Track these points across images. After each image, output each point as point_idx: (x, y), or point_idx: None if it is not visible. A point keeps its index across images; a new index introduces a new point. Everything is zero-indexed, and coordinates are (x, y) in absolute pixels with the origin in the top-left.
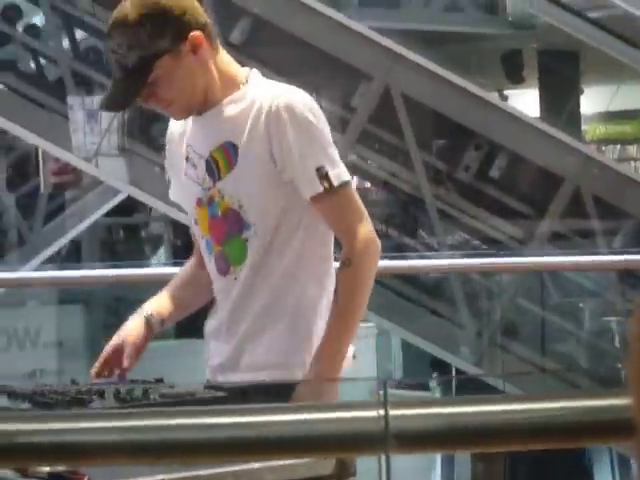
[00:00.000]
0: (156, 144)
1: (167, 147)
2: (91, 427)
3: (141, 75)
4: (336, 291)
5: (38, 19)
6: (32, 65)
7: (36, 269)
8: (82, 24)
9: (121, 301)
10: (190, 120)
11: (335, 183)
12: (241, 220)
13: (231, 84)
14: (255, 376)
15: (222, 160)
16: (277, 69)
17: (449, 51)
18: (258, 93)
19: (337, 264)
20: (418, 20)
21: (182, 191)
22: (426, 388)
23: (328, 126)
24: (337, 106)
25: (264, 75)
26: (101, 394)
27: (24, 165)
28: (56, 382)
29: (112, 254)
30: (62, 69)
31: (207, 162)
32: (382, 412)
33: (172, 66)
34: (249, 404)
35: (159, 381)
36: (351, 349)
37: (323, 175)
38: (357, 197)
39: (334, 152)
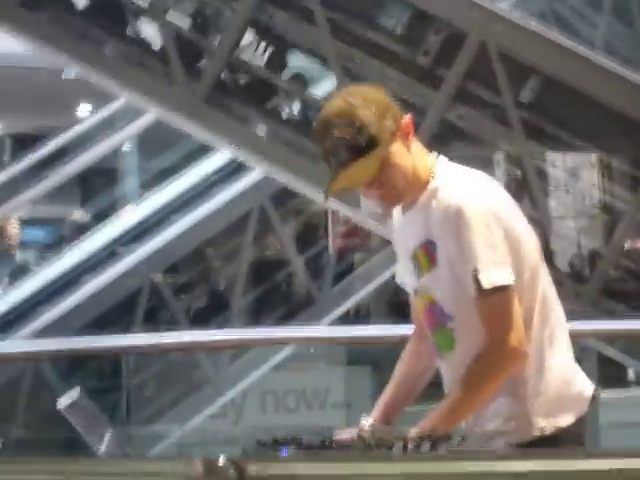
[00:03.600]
0: None
1: (393, 234)
2: (374, 471)
3: (374, 152)
4: (463, 376)
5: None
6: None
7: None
8: None
9: None
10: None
11: (485, 286)
12: (443, 312)
13: (424, 174)
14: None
15: (423, 258)
16: (567, 126)
17: None
18: (443, 189)
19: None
20: None
21: (405, 277)
22: None
23: (507, 222)
24: (629, 165)
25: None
26: (389, 447)
27: (313, 227)
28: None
29: (401, 315)
30: None
31: (413, 258)
32: None
33: (392, 149)
34: None
35: (447, 438)
36: None
37: (476, 277)
38: (513, 304)
39: (497, 255)
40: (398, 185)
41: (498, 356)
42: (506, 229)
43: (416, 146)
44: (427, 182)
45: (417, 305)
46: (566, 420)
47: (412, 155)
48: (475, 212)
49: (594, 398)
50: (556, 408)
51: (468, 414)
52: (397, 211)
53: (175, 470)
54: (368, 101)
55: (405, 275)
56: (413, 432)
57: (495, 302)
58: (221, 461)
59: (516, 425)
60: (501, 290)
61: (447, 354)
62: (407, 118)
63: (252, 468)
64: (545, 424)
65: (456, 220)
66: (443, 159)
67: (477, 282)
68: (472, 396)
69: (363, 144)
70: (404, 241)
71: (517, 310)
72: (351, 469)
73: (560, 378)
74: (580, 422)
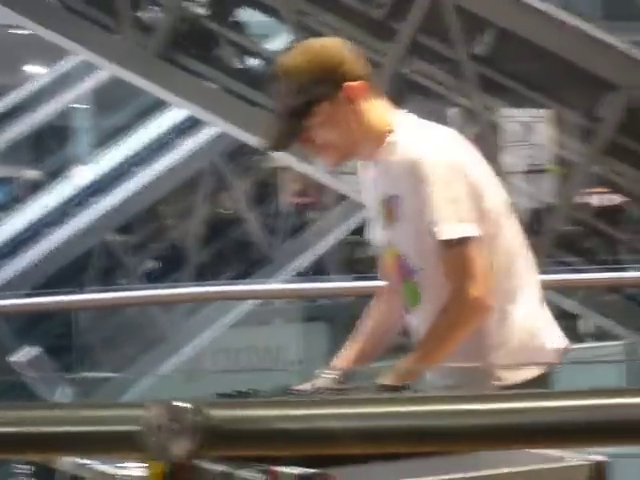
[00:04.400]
0: None
1: (361, 190)
2: (338, 413)
3: (302, 117)
4: (429, 328)
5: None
6: None
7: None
8: None
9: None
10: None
11: (445, 237)
12: (409, 266)
13: (382, 130)
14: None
15: (386, 213)
16: (521, 80)
17: None
18: (401, 144)
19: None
20: None
21: (373, 232)
22: None
23: (469, 176)
24: (582, 116)
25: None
26: None
27: (266, 184)
28: None
29: (354, 271)
30: None
31: (378, 212)
32: None
33: (329, 112)
34: None
35: (404, 388)
36: None
37: (436, 230)
38: (475, 256)
39: (459, 209)
40: (337, 146)
41: (461, 307)
42: (468, 183)
43: (371, 104)
44: (385, 137)
45: (387, 260)
46: (528, 373)
47: (361, 116)
48: (434, 166)
49: (564, 351)
50: (518, 360)
51: (433, 365)
52: (361, 166)
53: (137, 415)
54: (312, 62)
55: (374, 230)
56: (376, 384)
57: (457, 253)
58: (186, 406)
59: (477, 376)
60: (464, 242)
61: (414, 308)
62: (353, 83)
63: (217, 413)
64: (506, 376)
65: (415, 175)
66: (406, 114)
67: (438, 234)
68: (437, 348)
69: (291, 107)
70: (370, 196)
71: (481, 262)
72: (315, 411)
73: (523, 330)
74: (544, 376)
